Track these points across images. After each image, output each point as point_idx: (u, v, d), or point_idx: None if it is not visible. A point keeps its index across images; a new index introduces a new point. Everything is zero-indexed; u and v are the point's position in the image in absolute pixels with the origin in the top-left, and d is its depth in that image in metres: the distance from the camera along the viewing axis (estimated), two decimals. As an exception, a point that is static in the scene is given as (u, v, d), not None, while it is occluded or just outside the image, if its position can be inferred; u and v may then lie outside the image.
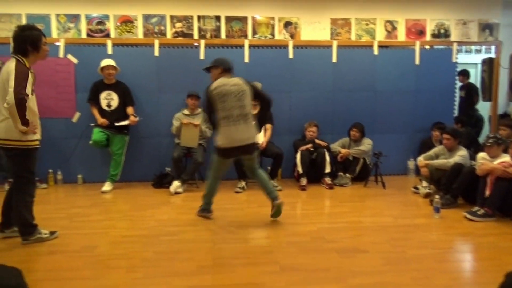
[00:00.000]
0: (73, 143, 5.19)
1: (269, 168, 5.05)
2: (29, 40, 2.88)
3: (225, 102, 3.38)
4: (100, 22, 5.26)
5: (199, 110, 5.14)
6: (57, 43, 5.16)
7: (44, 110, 5.06)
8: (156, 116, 5.30)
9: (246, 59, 5.37)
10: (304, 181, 4.95)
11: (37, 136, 3.03)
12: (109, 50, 5.19)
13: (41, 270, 2.63)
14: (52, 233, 3.18)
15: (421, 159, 4.63)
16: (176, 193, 4.68)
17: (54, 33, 5.21)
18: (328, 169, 5.07)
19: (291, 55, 5.46)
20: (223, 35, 5.42)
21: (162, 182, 5.06)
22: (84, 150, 5.19)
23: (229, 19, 5.42)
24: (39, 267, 2.68)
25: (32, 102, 2.93)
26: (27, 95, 2.77)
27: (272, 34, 5.49)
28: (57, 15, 5.21)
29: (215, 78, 3.53)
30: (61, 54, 5.13)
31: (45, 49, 3.00)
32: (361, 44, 5.62)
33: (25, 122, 2.82)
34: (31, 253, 2.90)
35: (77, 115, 5.19)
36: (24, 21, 5.13)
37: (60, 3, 5.21)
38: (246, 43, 5.38)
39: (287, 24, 5.51)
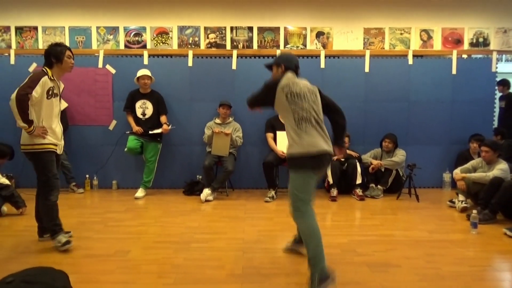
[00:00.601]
0: (109, 150, 5.38)
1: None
2: (52, 53, 3.12)
3: (299, 104, 2.65)
4: (137, 34, 5.46)
5: (231, 119, 5.21)
6: (96, 54, 5.40)
7: (83, 118, 5.34)
8: (188, 124, 5.42)
9: (278, 69, 5.39)
10: (334, 191, 4.88)
11: (50, 140, 3.12)
12: (145, 61, 5.36)
13: (76, 272, 2.72)
14: (67, 242, 3.09)
15: (457, 172, 4.47)
16: (207, 200, 4.74)
17: (94, 45, 5.45)
18: (359, 180, 4.98)
19: (322, 65, 5.44)
20: (255, 45, 5.49)
21: (193, 189, 5.14)
22: (119, 157, 5.37)
23: (261, 30, 5.49)
24: (75, 269, 2.77)
25: (46, 106, 3.09)
26: (30, 93, 2.95)
27: (304, 44, 5.50)
28: (97, 28, 5.45)
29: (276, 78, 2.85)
30: (100, 64, 5.36)
31: (68, 61, 3.18)
32: (395, 54, 5.53)
33: (26, 120, 2.97)
34: (68, 255, 3.01)
35: (113, 123, 5.38)
36: (67, 34, 5.41)
37: (100, 16, 5.46)
38: (278, 53, 5.41)
39: (319, 34, 5.51)
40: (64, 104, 5.09)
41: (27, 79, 3.03)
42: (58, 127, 3.23)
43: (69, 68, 3.21)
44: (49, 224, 3.15)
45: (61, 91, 3.30)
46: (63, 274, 1.35)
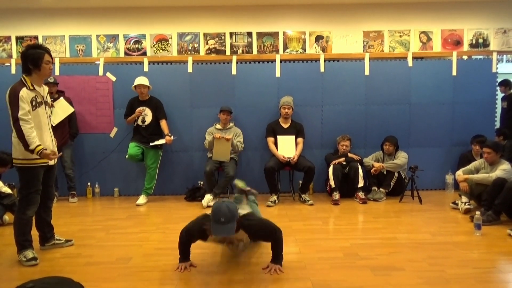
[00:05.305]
0: (110, 157, 5.38)
1: (300, 182, 5.02)
2: (29, 58, 2.92)
3: None
4: (137, 41, 5.48)
5: (231, 124, 5.21)
6: (97, 62, 5.42)
7: (84, 125, 5.36)
8: (189, 130, 5.42)
9: (278, 74, 5.41)
10: (336, 195, 4.86)
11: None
12: (145, 68, 5.38)
13: (77, 280, 2.69)
14: (33, 259, 3.01)
15: (460, 173, 4.44)
16: (208, 206, 4.72)
17: (95, 53, 5.47)
18: (361, 183, 4.96)
19: (322, 69, 5.44)
20: (254, 50, 5.50)
21: (194, 195, 5.13)
22: (120, 164, 5.37)
23: (260, 35, 5.50)
24: (76, 277, 2.72)
25: (33, 118, 2.92)
26: (19, 117, 2.82)
27: (304, 48, 5.51)
28: (97, 36, 5.48)
29: None
30: (100, 72, 5.38)
31: (47, 67, 2.98)
32: (395, 56, 5.53)
33: (26, 145, 2.84)
34: (70, 264, 3.01)
35: (114, 130, 5.39)
36: (67, 42, 5.44)
37: (100, 24, 5.48)
38: (278, 58, 5.43)
39: (319, 38, 5.51)
40: (70, 109, 5.01)
41: (8, 103, 2.86)
42: (49, 138, 3.07)
43: (48, 74, 3.05)
44: (19, 238, 3.00)
45: (45, 95, 3.10)
46: (81, 286, 1.38)
